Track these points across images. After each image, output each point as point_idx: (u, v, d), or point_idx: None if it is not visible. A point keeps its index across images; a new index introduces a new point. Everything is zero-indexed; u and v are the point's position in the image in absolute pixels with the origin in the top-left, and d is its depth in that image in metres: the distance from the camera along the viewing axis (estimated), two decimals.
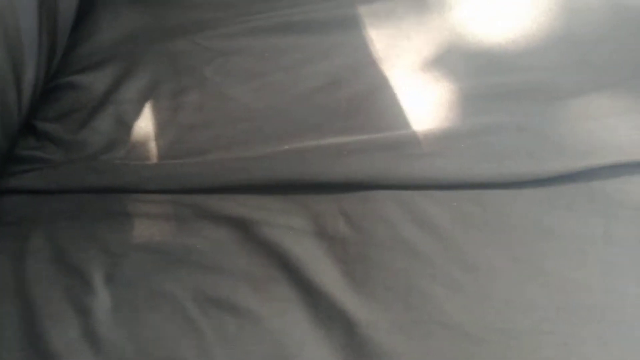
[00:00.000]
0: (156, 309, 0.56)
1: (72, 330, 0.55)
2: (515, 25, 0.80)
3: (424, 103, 0.72)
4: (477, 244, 0.60)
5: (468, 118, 0.70)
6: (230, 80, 0.77)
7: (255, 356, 0.53)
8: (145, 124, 0.73)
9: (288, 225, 0.62)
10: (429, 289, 0.57)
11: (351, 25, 0.82)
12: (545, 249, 0.60)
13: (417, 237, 0.60)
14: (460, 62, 0.76)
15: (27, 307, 0.57)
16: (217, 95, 0.75)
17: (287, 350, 0.54)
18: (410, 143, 0.67)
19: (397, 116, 0.71)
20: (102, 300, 0.57)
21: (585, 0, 0.83)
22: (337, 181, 0.65)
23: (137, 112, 0.74)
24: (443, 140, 0.67)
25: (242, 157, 0.67)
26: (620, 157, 0.65)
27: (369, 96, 0.73)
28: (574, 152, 0.66)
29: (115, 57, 0.80)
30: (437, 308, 0.56)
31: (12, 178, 0.68)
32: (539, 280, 0.57)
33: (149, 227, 0.63)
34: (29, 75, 0.71)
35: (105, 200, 0.66)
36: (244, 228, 0.62)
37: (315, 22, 0.82)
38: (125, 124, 0.73)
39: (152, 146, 0.70)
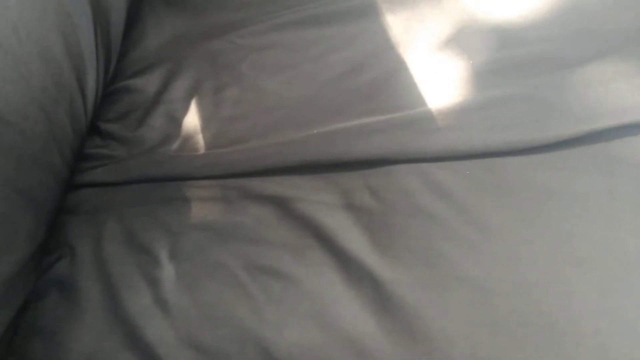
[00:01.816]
0: (213, 277, 0.65)
1: (144, 298, 0.64)
2: (521, 1, 0.83)
3: (438, 81, 0.77)
4: (489, 207, 0.66)
5: (479, 92, 0.74)
6: (263, 74, 0.83)
7: (298, 313, 0.62)
8: (192, 119, 0.80)
9: (320, 201, 0.69)
10: (446, 249, 0.64)
11: (370, 14, 0.86)
12: (552, 208, 0.65)
13: (434, 204, 0.67)
14: (471, 40, 0.80)
15: (107, 281, 0.66)
16: (253, 89, 0.82)
17: (324, 306, 0.62)
18: (426, 119, 0.72)
19: (414, 95, 0.76)
20: (167, 272, 0.66)
21: None
22: (361, 158, 0.71)
23: (185, 109, 0.82)
24: (456, 114, 0.72)
25: (277, 143, 0.74)
26: (623, 119, 0.68)
27: (389, 78, 0.79)
28: (579, 117, 0.69)
29: (162, 60, 0.88)
30: (454, 265, 0.62)
31: (84, 174, 0.78)
32: (545, 237, 0.63)
33: (202, 208, 0.72)
34: (91, 83, 0.79)
35: (163, 188, 0.74)
36: (282, 205, 0.70)
37: (337, 13, 0.87)
38: (176, 120, 0.81)
39: (200, 138, 0.78)
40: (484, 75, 0.76)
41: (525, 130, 0.70)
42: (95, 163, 0.79)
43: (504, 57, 0.77)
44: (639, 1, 0.79)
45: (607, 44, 0.76)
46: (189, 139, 0.79)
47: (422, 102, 0.75)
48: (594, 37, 0.77)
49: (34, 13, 0.65)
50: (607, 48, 0.76)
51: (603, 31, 0.78)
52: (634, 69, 0.73)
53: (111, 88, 0.87)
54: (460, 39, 0.81)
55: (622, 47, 0.75)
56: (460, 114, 0.72)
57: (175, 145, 0.78)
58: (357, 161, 0.72)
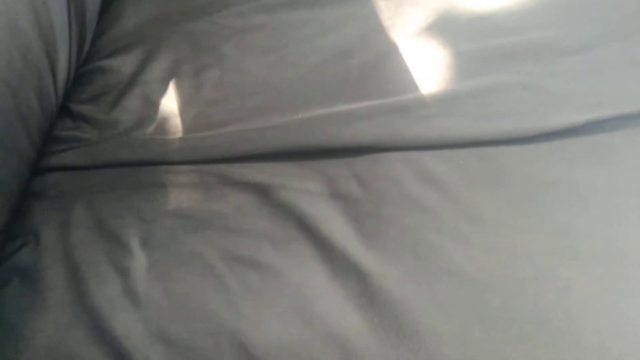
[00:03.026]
0: (187, 268, 0.61)
1: (113, 288, 0.60)
2: None
3: (430, 67, 0.74)
4: (483, 198, 0.63)
5: (473, 79, 0.71)
6: (247, 56, 0.80)
7: (277, 306, 0.58)
8: (170, 102, 0.77)
9: (304, 189, 0.66)
10: (436, 241, 0.60)
11: None
12: (548, 200, 0.62)
13: (424, 194, 0.63)
14: (466, 25, 0.77)
15: (73, 270, 0.62)
16: (235, 71, 0.78)
17: (306, 300, 0.58)
18: (418, 105, 0.69)
19: (405, 81, 0.73)
20: (138, 261, 0.62)
21: None
22: (348, 145, 0.68)
23: (163, 91, 0.78)
24: (449, 101, 0.69)
25: (260, 128, 0.71)
26: (624, 109, 0.66)
27: (378, 63, 0.75)
28: (578, 106, 0.67)
29: (140, 40, 0.84)
30: (444, 258, 0.59)
31: (52, 157, 0.74)
32: (541, 230, 0.60)
33: (177, 195, 0.68)
34: (62, 60, 0.75)
35: (137, 173, 0.70)
36: (263, 193, 0.66)
37: None
38: (152, 103, 0.77)
39: (177, 121, 0.74)
40: (479, 61, 0.73)
41: (521, 118, 0.67)
42: (64, 146, 0.75)
43: (500, 44, 0.74)
44: None
45: (609, 31, 0.73)
46: (165, 122, 0.75)
47: (413, 88, 0.72)
48: (596, 24, 0.75)
49: None
50: (609, 35, 0.73)
51: (605, 17, 0.75)
52: (636, 57, 0.70)
53: (85, 68, 0.83)
54: (454, 24, 0.78)
55: (625, 34, 0.73)
56: (453, 100, 0.69)
57: (150, 128, 0.74)
58: (343, 148, 0.68)
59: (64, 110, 0.79)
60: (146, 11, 0.88)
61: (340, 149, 0.68)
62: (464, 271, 0.58)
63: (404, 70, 0.74)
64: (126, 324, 0.57)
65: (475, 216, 0.61)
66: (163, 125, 0.74)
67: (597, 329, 0.54)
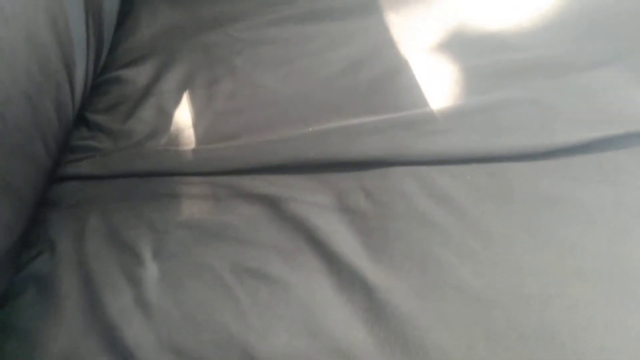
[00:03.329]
0: (197, 279, 0.62)
1: (125, 297, 0.61)
2: (530, 3, 0.81)
3: (439, 82, 0.74)
4: (491, 215, 0.63)
5: (481, 94, 0.72)
6: (259, 69, 0.81)
7: (285, 319, 0.58)
8: (183, 113, 0.78)
9: (313, 202, 0.66)
10: (443, 256, 0.60)
11: (371, 11, 0.84)
12: (556, 218, 0.62)
13: (433, 210, 0.64)
14: (475, 41, 0.78)
15: (87, 279, 0.63)
16: (248, 83, 0.79)
17: (313, 313, 0.58)
18: (427, 121, 0.70)
19: (414, 95, 0.73)
20: (150, 271, 0.63)
21: None
22: (357, 159, 0.69)
23: (176, 102, 0.79)
24: (458, 116, 0.69)
25: (271, 140, 0.72)
26: (632, 127, 0.66)
27: (388, 77, 0.76)
28: (586, 124, 0.67)
29: (155, 52, 0.85)
30: (451, 274, 0.59)
31: (69, 166, 0.75)
32: (549, 247, 0.60)
33: (189, 206, 0.69)
34: (80, 71, 0.77)
35: (150, 183, 0.71)
36: (273, 205, 0.67)
37: (337, 9, 0.85)
38: (166, 113, 0.78)
39: (190, 133, 0.75)
40: (488, 77, 0.74)
41: (529, 135, 0.67)
42: (80, 155, 0.76)
43: (509, 60, 0.75)
44: None
45: (617, 49, 0.74)
46: (179, 133, 0.76)
47: (422, 103, 0.73)
48: (605, 42, 0.75)
49: None
50: (618, 53, 0.73)
51: (614, 35, 0.75)
52: None
53: (101, 78, 0.85)
54: (464, 40, 0.79)
55: (634, 52, 0.73)
56: (461, 116, 0.70)
57: (164, 139, 0.76)
58: (353, 162, 0.69)
59: (80, 119, 0.80)
60: (161, 23, 0.90)
61: (350, 162, 0.69)
62: (470, 287, 0.58)
63: (413, 85, 0.75)
64: (138, 334, 0.58)
65: (482, 232, 0.62)
66: (176, 137, 0.76)
67: (602, 346, 0.54)
